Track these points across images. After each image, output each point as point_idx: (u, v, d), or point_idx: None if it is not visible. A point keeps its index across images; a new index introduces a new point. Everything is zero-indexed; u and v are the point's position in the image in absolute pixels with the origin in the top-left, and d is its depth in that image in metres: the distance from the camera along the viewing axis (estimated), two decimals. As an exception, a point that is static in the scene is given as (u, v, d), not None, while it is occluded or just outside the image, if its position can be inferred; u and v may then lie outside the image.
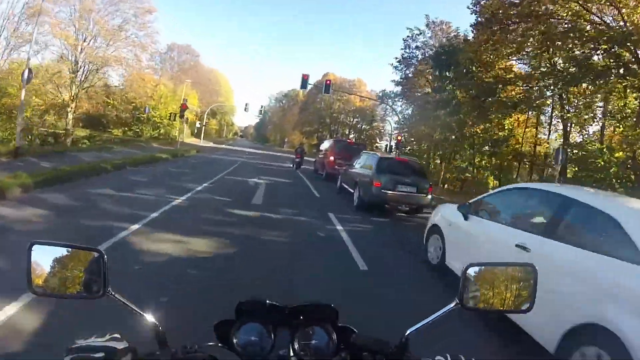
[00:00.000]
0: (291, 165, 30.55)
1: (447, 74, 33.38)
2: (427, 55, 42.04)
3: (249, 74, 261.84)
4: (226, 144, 71.70)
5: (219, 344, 1.40)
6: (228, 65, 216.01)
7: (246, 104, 62.95)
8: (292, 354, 1.36)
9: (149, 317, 1.30)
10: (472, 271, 1.41)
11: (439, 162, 39.24)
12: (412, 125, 41.65)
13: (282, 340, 1.38)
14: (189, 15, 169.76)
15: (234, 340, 1.37)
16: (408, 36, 43.62)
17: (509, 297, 1.43)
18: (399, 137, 36.07)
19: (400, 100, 46.71)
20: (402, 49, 44.36)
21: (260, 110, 62.81)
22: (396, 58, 44.84)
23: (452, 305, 1.38)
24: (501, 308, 1.44)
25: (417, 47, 43.72)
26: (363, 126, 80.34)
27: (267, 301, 1.41)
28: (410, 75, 44.85)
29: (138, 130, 48.83)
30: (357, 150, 20.36)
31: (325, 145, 27.28)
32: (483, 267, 1.44)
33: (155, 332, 1.29)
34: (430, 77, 40.59)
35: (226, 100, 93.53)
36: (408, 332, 1.33)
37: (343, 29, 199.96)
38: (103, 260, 1.31)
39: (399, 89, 46.82)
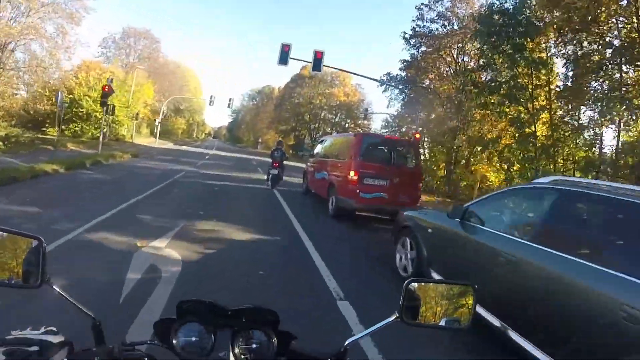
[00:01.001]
0: (265, 179, 18.14)
1: (506, 43, 21.55)
2: (451, 26, 31.80)
3: (222, 71, 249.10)
4: (190, 146, 60.84)
5: (158, 343, 1.35)
6: (198, 61, 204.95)
7: (211, 97, 52.61)
8: (231, 356, 1.33)
9: (88, 311, 1.27)
10: (413, 286, 1.44)
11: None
12: (424, 120, 31.27)
13: (223, 342, 1.34)
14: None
15: (174, 340, 1.32)
16: (423, 4, 32.32)
17: (448, 314, 1.47)
18: (417, 135, 25.35)
19: (406, 88, 34.77)
20: (414, 19, 33.04)
21: (229, 104, 50.95)
22: (405, 33, 33.33)
23: (391, 318, 1.40)
24: (440, 324, 1.46)
25: (438, 16, 32.39)
26: (347, 124, 69.42)
27: (209, 301, 1.35)
28: (426, 52, 33.45)
29: (77, 128, 37.81)
30: (405, 156, 12.47)
31: (328, 144, 15.42)
32: (424, 283, 1.49)
33: (93, 327, 1.27)
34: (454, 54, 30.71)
35: (194, 96, 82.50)
36: (347, 342, 1.34)
37: (329, 18, 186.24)
38: (42, 249, 1.29)
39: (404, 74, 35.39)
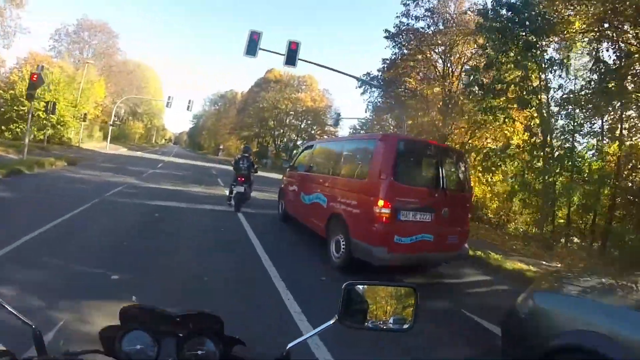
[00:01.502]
0: (227, 198, 14.01)
1: (514, 41, 18.01)
2: (437, 25, 28.28)
3: (187, 74, 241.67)
4: (146, 151, 55.28)
5: (103, 352, 1.31)
6: (162, 62, 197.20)
7: (169, 98, 47.51)
8: None
9: (27, 320, 1.25)
10: (352, 289, 1.44)
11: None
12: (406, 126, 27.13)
13: (168, 349, 1.29)
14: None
15: (119, 348, 1.30)
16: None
17: (389, 316, 1.48)
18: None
19: (386, 90, 31.00)
20: (398, 16, 29.13)
21: (188, 106, 45.46)
22: (387, 31, 29.49)
23: (331, 322, 1.39)
24: (382, 327, 1.48)
25: (426, 12, 28.60)
26: (313, 131, 65.42)
27: (152, 308, 1.32)
28: (410, 51, 29.62)
29: (18, 130, 32.44)
30: (455, 173, 8.20)
31: (323, 150, 10.65)
32: (366, 285, 1.48)
33: (33, 336, 1.23)
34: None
35: (153, 99, 76.10)
36: (289, 346, 1.32)
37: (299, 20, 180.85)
38: None
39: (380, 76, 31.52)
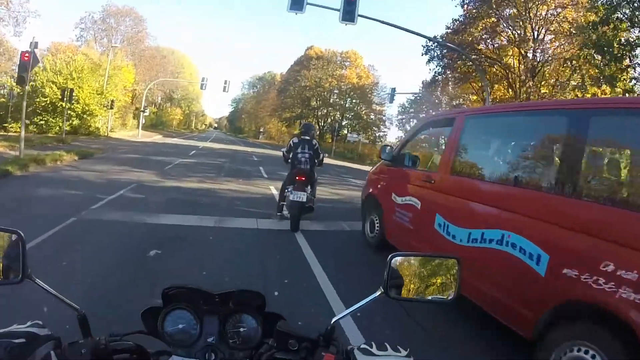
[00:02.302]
0: (277, 207, 8.77)
1: None
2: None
3: (221, 59, 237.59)
4: (182, 138, 51.55)
5: (146, 332, 1.34)
6: (196, 49, 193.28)
7: (203, 79, 43.83)
8: (220, 341, 1.33)
9: (72, 304, 1.20)
10: (396, 261, 1.40)
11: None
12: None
13: (210, 327, 1.33)
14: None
15: (162, 328, 1.31)
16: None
17: (433, 287, 1.44)
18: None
19: (462, 54, 25.09)
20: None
21: (225, 87, 40.88)
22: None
23: (377, 294, 1.36)
24: (425, 298, 1.44)
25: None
26: (362, 109, 60.72)
27: (194, 287, 1.33)
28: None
29: (43, 122, 30.00)
30: None
31: (541, 124, 4.58)
32: (409, 256, 1.45)
33: (78, 320, 1.20)
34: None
35: (189, 85, 72.60)
36: (334, 320, 1.29)
37: None
38: (22, 242, 1.21)
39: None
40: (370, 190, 7.62)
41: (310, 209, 8.17)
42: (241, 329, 1.32)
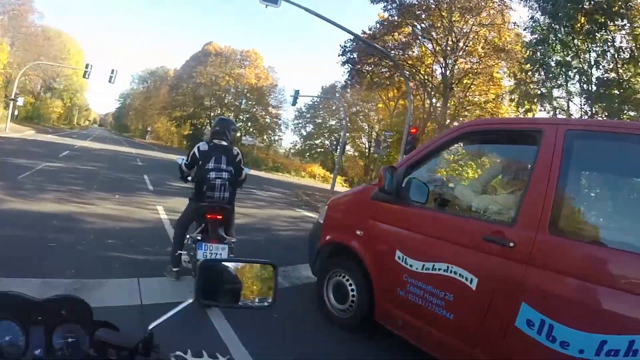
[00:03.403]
0: (171, 258, 5.23)
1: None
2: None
3: (113, 48, 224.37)
4: (59, 134, 44.80)
5: None
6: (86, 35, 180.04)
7: (87, 66, 37.05)
8: (47, 353, 1.20)
9: None
10: (209, 266, 1.46)
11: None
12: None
13: (37, 338, 1.19)
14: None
15: None
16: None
17: (250, 293, 1.48)
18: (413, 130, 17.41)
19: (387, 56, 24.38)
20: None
21: (111, 78, 35.71)
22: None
23: (189, 301, 1.34)
24: (241, 304, 1.49)
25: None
26: (257, 111, 58.29)
27: (15, 294, 1.22)
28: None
29: None
30: None
31: None
32: (222, 262, 1.59)
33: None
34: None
35: (74, 74, 64.17)
36: (151, 326, 1.24)
37: None
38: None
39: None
40: (337, 235, 4.89)
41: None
42: (69, 339, 1.21)
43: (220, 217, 4.93)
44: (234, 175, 5.06)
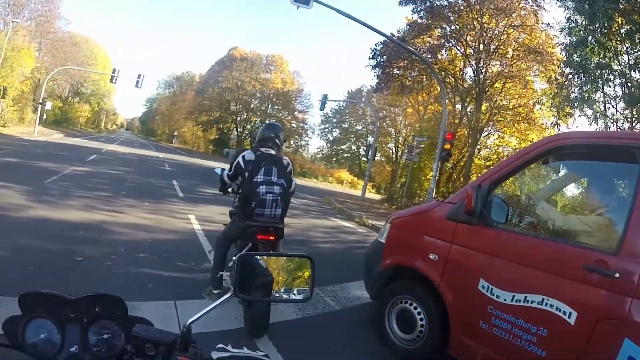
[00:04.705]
0: (213, 279, 4.67)
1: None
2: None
3: (139, 54, 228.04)
4: (86, 138, 44.54)
5: (8, 344, 1.19)
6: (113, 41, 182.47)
7: (114, 71, 37.61)
8: (83, 349, 1.23)
9: None
10: (248, 261, 1.44)
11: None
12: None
13: (73, 335, 1.22)
14: None
15: (22, 339, 1.20)
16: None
17: (287, 287, 1.46)
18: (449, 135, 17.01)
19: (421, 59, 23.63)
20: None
21: (138, 82, 35.69)
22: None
23: (227, 295, 1.38)
24: (279, 296, 1.49)
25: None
26: (284, 116, 58.04)
27: (51, 293, 1.23)
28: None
29: None
30: None
31: None
32: (259, 256, 1.54)
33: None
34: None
35: (101, 79, 65.16)
36: (189, 322, 1.22)
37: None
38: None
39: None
40: (403, 257, 4.36)
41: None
42: (105, 336, 1.23)
43: (273, 237, 4.28)
44: (286, 188, 4.40)
